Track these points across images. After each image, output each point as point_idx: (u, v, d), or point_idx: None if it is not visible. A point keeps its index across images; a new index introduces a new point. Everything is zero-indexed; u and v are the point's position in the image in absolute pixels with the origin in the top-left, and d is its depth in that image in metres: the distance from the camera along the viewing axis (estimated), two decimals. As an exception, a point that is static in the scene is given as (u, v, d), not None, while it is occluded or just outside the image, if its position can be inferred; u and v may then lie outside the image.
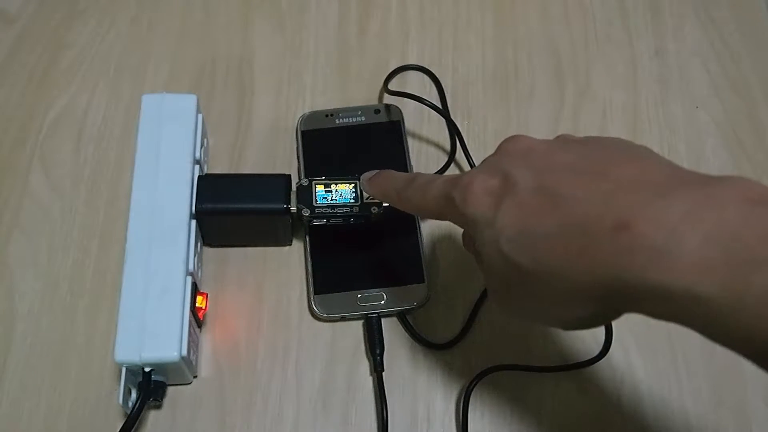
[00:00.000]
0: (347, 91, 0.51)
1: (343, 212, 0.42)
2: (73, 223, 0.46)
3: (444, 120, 0.49)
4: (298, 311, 0.44)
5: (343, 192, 0.42)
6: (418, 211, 0.38)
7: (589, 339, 0.43)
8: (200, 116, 0.44)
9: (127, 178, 0.43)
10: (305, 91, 0.51)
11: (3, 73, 0.51)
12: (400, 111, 0.49)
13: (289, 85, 0.52)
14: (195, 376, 0.41)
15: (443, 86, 0.51)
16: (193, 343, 0.40)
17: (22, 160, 0.48)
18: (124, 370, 0.37)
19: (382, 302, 0.43)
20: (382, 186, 0.39)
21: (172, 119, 0.43)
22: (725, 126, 0.51)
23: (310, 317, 0.44)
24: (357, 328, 0.43)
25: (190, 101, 0.44)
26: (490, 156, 0.33)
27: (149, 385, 0.37)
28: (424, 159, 0.49)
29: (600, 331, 0.42)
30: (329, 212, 0.42)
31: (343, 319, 0.43)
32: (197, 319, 0.41)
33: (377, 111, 0.49)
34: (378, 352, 0.41)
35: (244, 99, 0.51)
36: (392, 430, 0.40)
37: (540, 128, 0.50)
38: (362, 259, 0.45)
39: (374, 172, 0.40)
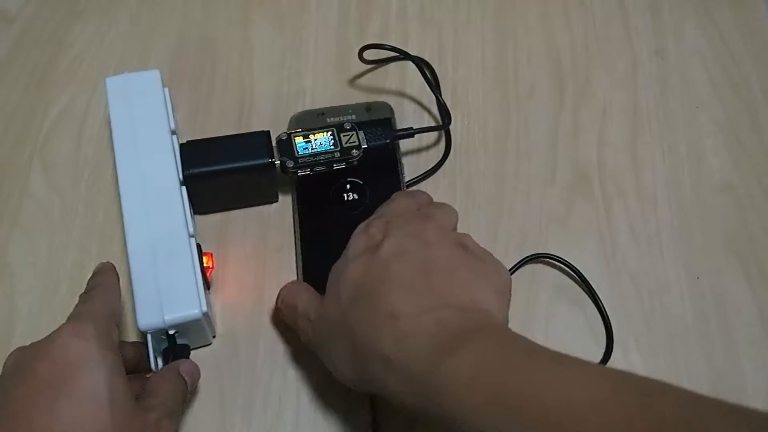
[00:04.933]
0: (347, 91, 0.51)
1: (326, 159, 0.43)
2: (73, 223, 0.46)
3: (438, 110, 0.49)
4: (298, 311, 0.44)
5: (321, 140, 0.44)
6: None
7: (590, 340, 0.43)
8: (166, 90, 0.45)
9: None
10: (305, 91, 0.51)
11: (3, 73, 0.51)
12: (391, 108, 0.49)
13: (289, 85, 0.52)
14: (214, 336, 0.42)
15: (440, 81, 0.51)
16: (208, 303, 0.40)
17: (22, 160, 0.48)
18: (149, 336, 0.37)
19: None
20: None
21: (141, 95, 0.44)
22: (725, 126, 0.51)
23: (310, 317, 0.44)
24: (357, 328, 0.43)
25: (154, 76, 0.45)
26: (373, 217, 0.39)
27: (175, 348, 0.38)
28: (418, 155, 0.49)
29: (601, 332, 0.42)
30: (312, 161, 0.43)
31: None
32: (206, 281, 0.42)
33: (368, 109, 0.49)
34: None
35: (244, 99, 0.51)
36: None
37: (540, 128, 0.50)
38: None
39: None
